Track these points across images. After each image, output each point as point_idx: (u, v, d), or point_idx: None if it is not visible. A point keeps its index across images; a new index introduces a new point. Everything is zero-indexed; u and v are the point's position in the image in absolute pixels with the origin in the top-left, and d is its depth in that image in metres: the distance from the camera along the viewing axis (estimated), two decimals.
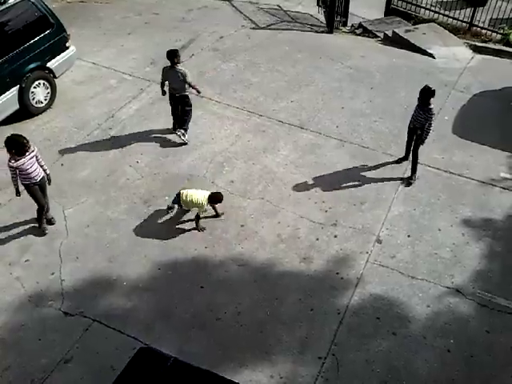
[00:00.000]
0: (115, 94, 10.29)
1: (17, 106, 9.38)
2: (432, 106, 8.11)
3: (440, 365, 6.22)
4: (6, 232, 7.62)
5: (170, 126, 9.41)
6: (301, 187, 8.43)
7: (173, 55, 8.65)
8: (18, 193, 7.33)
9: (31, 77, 9.39)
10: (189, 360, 6.00)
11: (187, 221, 7.80)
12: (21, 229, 7.66)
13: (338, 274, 7.19)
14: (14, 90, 9.19)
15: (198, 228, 7.66)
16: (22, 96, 9.33)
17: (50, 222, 7.74)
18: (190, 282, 7.01)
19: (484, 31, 14.06)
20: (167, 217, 7.85)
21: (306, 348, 6.33)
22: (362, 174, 8.72)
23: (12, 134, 7.13)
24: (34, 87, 9.51)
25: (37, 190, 7.32)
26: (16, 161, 6.97)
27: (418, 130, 8.26)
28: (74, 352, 6.21)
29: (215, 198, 7.61)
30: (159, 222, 7.81)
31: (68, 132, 9.40)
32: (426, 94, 8.06)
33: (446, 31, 13.56)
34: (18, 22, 9.22)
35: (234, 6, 14.03)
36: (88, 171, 8.59)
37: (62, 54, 9.98)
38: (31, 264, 7.20)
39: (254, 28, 13.00)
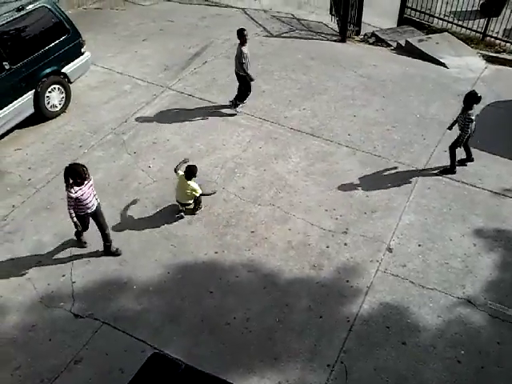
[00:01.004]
0: (129, 100, 10.40)
1: (32, 110, 9.50)
2: (471, 112, 8.33)
3: (449, 375, 6.16)
4: (18, 233, 7.70)
5: (183, 132, 9.51)
6: (311, 194, 8.44)
7: (240, 34, 9.51)
8: (80, 231, 7.00)
9: (46, 82, 9.52)
10: (197, 364, 6.05)
11: (198, 226, 7.84)
12: (33, 230, 7.74)
13: (347, 282, 7.17)
14: (30, 95, 9.32)
15: (197, 207, 7.94)
16: (38, 100, 9.46)
17: (116, 252, 7.38)
18: (199, 287, 7.03)
19: (498, 41, 14.03)
20: (178, 221, 7.89)
21: (314, 355, 6.31)
22: (374, 182, 8.71)
23: (71, 164, 6.79)
24: (49, 92, 9.64)
25: (89, 219, 7.05)
26: (76, 191, 6.61)
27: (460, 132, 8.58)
28: (84, 353, 6.24)
29: (190, 172, 7.65)
30: (170, 226, 7.85)
31: (82, 136, 9.50)
32: (470, 98, 8.31)
33: (460, 41, 13.54)
34: (34, 28, 9.38)
35: (247, 14, 14.14)
36: (101, 175, 8.66)
37: (77, 60, 10.11)
38: (43, 265, 7.26)
39: (267, 36, 13.08)
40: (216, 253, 7.49)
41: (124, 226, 7.84)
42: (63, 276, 7.12)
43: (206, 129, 9.63)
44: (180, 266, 7.32)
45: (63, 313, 6.69)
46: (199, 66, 11.29)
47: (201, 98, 10.40)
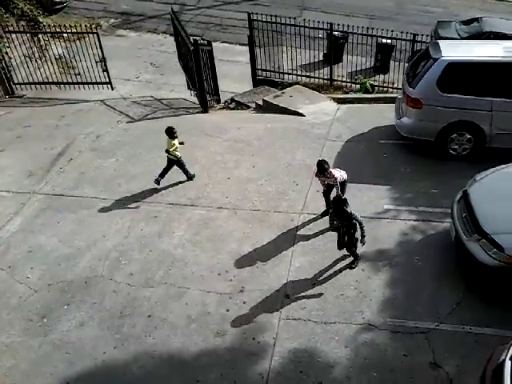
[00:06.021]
0: None
1: None
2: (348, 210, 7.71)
3: None
4: None
5: (59, 233, 9.16)
6: (202, 263, 8.40)
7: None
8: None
9: None
10: None
11: (91, 325, 7.43)
12: None
13: (254, 339, 7.11)
14: None
15: None
16: None
17: None
18: None
19: (344, 84, 15.50)
20: (69, 327, 7.43)
21: None
22: (259, 236, 8.88)
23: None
24: None
25: None
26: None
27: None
28: None
29: None
30: (61, 334, 7.34)
31: None
32: (337, 203, 7.81)
33: (311, 90, 14.73)
34: None
35: (107, 105, 14.25)
36: None
37: None
38: None
39: (130, 122, 13.22)
40: (115, 348, 7.11)
41: (9, 348, 7.19)
42: None
43: (83, 224, 9.33)
44: (79, 373, 6.83)
45: None
46: (65, 164, 11.08)
47: (72, 196, 10.11)
